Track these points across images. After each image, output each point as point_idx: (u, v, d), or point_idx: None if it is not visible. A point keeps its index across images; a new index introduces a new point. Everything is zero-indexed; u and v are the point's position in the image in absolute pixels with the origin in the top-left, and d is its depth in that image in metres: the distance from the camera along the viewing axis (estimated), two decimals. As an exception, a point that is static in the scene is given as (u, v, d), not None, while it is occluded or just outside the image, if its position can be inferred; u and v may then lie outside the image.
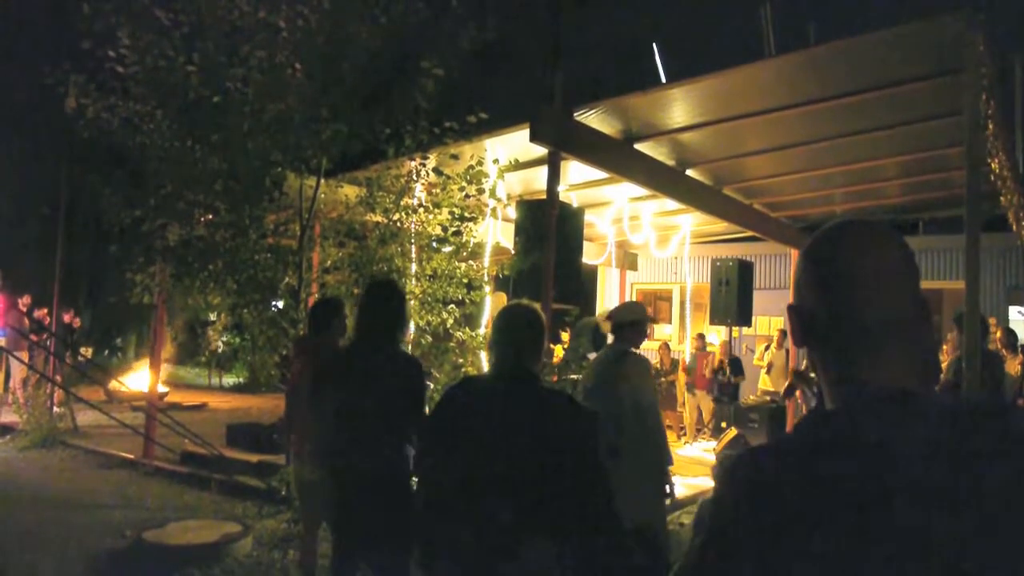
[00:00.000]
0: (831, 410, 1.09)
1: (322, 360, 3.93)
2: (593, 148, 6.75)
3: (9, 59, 17.16)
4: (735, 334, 12.45)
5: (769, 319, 13.53)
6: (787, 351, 12.22)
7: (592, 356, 9.25)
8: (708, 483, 8.43)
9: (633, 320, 4.85)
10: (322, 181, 7.00)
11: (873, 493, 0.95)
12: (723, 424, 11.36)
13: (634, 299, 15.76)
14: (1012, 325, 11.29)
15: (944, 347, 6.97)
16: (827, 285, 1.11)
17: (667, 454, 4.73)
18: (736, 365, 11.54)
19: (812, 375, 10.39)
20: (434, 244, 6.96)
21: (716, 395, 11.49)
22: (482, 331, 7.22)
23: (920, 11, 5.04)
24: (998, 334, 8.60)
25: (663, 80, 7.85)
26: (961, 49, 4.66)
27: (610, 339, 5.09)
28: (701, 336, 12.42)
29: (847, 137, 7.26)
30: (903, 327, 1.08)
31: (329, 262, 7.37)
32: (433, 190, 7.04)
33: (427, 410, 3.57)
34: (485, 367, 6.46)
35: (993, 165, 6.03)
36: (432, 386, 6.55)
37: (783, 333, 12.50)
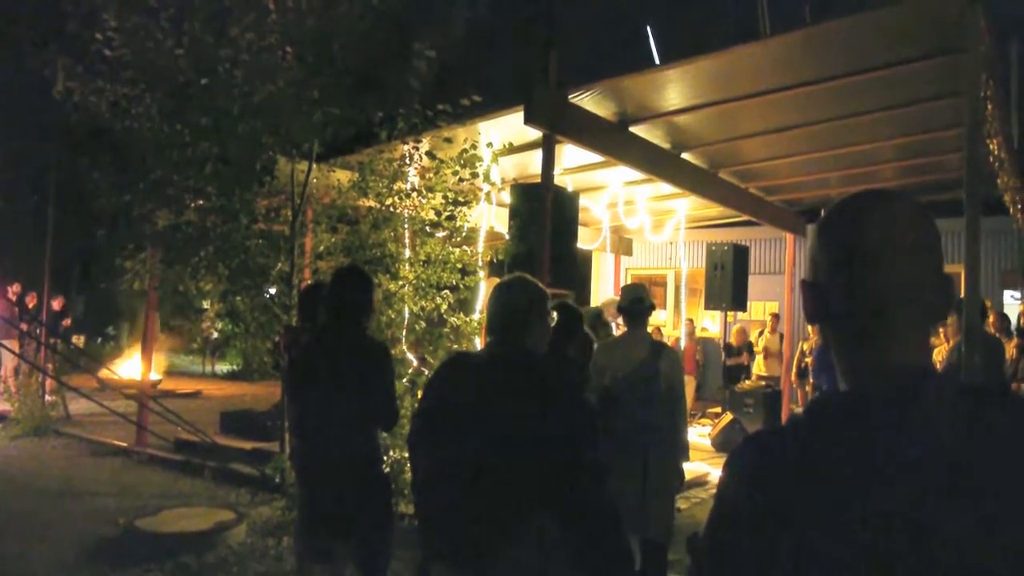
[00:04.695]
0: (846, 391, 1.05)
1: (296, 347, 3.90)
2: (588, 131, 6.68)
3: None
4: (730, 319, 12.46)
5: (764, 304, 13.51)
6: (781, 335, 12.21)
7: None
8: (703, 468, 8.42)
9: (652, 303, 4.88)
10: (314, 165, 6.92)
11: (889, 477, 0.91)
12: (718, 409, 11.40)
13: (629, 283, 15.76)
14: (1006, 309, 11.30)
15: (941, 331, 6.95)
16: (843, 259, 1.06)
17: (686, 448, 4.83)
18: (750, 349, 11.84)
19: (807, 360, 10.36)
20: (427, 229, 6.88)
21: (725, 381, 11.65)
22: (476, 316, 7.17)
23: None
24: (991, 319, 8.59)
25: (657, 62, 7.77)
26: (963, 28, 4.60)
27: (617, 324, 5.11)
28: (691, 321, 12.49)
29: (843, 119, 7.20)
30: (923, 305, 1.04)
31: (322, 247, 7.30)
32: (426, 174, 6.96)
33: (395, 392, 3.57)
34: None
35: (992, 146, 5.99)
36: (426, 372, 6.52)
37: (776, 317, 12.50)
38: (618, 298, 11.06)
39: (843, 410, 1.00)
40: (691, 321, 12.61)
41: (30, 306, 12.37)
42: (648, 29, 15.63)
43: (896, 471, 0.91)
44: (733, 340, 12.01)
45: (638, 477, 4.40)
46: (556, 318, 4.36)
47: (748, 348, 12.04)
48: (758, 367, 11.85)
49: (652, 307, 4.91)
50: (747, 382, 11.01)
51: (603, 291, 14.24)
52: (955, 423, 0.94)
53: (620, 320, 10.43)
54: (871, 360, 1.03)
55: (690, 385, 11.97)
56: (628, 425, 4.41)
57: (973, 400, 0.98)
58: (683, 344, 12.39)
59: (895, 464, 0.91)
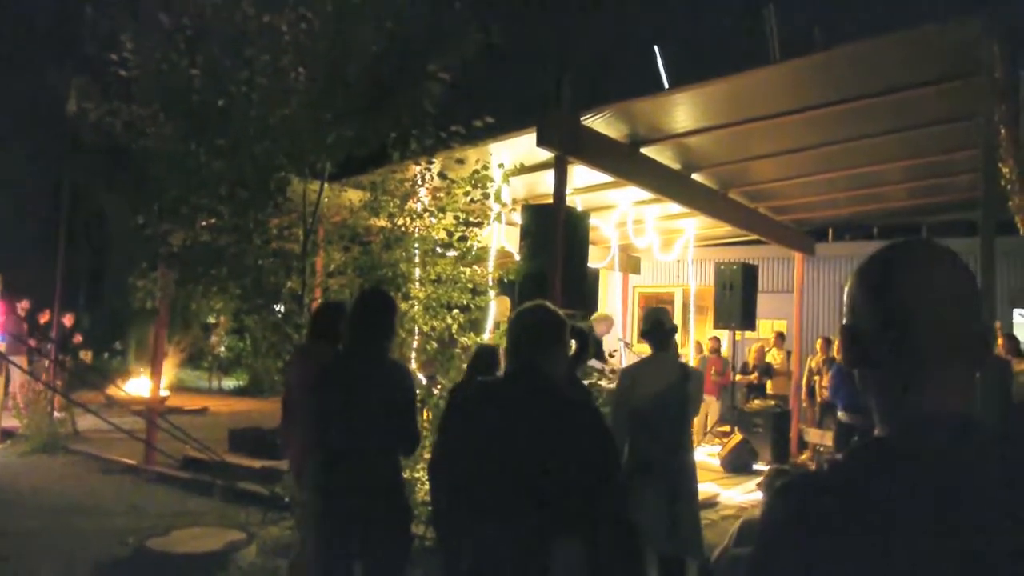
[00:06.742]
0: (885, 436, 1.06)
1: (315, 368, 3.87)
2: (599, 152, 6.71)
3: (11, 62, 17.10)
4: (737, 337, 12.41)
5: (772, 323, 13.49)
6: (788, 353, 12.17)
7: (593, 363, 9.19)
8: (713, 488, 8.38)
9: (673, 326, 4.90)
10: (326, 185, 6.94)
11: (929, 523, 0.92)
12: (727, 428, 11.31)
13: (637, 303, 15.76)
14: (1016, 329, 11.28)
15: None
16: (884, 307, 1.07)
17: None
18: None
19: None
20: (438, 249, 6.89)
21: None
22: (486, 337, 7.16)
23: (919, 15, 5.00)
24: (1000, 341, 8.57)
25: (665, 84, 7.83)
26: (977, 53, 4.63)
27: (631, 349, 5.13)
28: (716, 339, 12.24)
29: (854, 141, 7.24)
30: (963, 352, 1.05)
31: (333, 267, 7.30)
32: (438, 194, 6.98)
33: (416, 416, 3.58)
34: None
35: (1004, 169, 6.01)
36: (437, 392, 6.51)
37: (780, 336, 12.45)
38: (608, 314, 11.02)
39: (881, 457, 1.01)
40: (716, 339, 12.34)
41: (42, 322, 12.41)
42: (656, 50, 15.72)
43: (930, 521, 0.92)
44: (752, 359, 11.86)
45: (666, 498, 4.42)
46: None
47: (767, 369, 11.82)
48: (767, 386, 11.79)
49: (674, 329, 4.93)
50: (756, 401, 10.95)
51: (610, 309, 14.25)
52: (992, 473, 0.95)
53: (626, 338, 10.41)
54: (910, 407, 1.04)
55: (713, 406, 11.67)
56: (657, 447, 4.45)
57: (1014, 451, 0.99)
58: (700, 362, 12.21)
59: (929, 514, 0.92)
